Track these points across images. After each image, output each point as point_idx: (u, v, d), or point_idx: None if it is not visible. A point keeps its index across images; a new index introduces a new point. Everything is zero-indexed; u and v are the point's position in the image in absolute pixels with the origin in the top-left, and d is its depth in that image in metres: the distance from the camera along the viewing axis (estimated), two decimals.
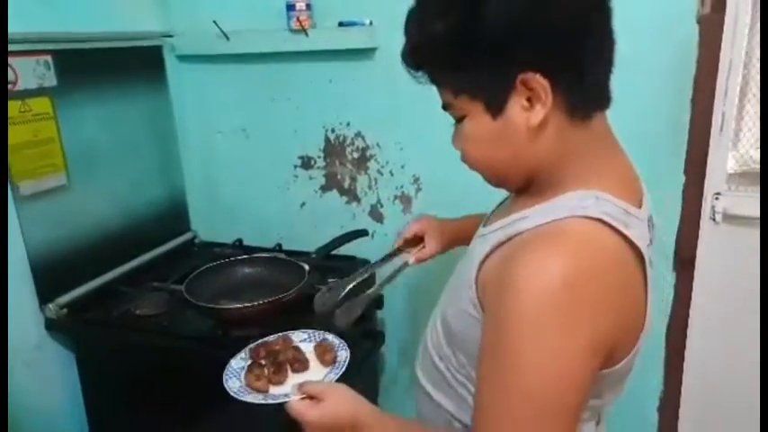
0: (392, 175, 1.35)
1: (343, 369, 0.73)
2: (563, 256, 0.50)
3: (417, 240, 0.93)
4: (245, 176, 1.47)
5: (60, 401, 1.18)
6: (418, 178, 1.33)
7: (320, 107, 1.35)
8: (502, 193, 0.72)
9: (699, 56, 1.06)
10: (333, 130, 1.36)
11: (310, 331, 0.82)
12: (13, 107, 1.03)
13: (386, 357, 1.47)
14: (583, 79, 0.54)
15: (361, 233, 1.23)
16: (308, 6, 1.23)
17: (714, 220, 1.11)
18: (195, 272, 1.15)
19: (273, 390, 0.72)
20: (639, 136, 1.11)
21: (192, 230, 1.51)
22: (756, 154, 1.08)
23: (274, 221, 1.46)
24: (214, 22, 1.29)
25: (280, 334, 0.82)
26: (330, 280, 1.20)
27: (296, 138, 1.39)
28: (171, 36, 1.38)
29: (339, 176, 1.40)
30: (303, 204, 1.44)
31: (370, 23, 1.22)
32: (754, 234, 1.04)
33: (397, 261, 0.93)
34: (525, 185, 0.61)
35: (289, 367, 0.76)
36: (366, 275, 0.91)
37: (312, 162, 1.40)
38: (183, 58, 1.41)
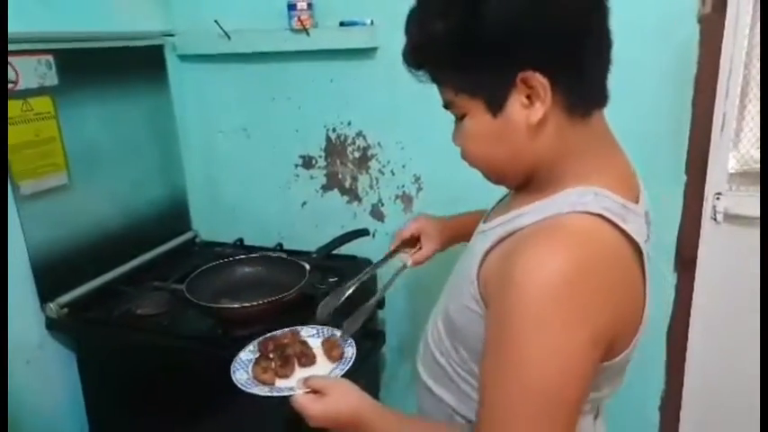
0: (393, 174, 1.35)
1: (350, 365, 0.74)
2: (564, 250, 0.51)
3: (414, 241, 0.93)
4: (246, 176, 1.47)
5: (61, 401, 1.18)
6: (419, 178, 1.33)
7: (321, 107, 1.35)
8: (502, 191, 0.72)
9: (699, 55, 1.06)
10: (334, 130, 1.36)
11: (319, 327, 0.83)
12: (15, 107, 1.03)
13: (386, 356, 1.47)
14: (582, 77, 0.55)
15: (362, 233, 1.23)
16: (310, 6, 1.23)
17: (715, 219, 1.11)
18: (196, 271, 1.15)
19: (280, 383, 0.73)
20: (640, 136, 1.11)
21: (193, 230, 1.51)
22: (757, 153, 1.08)
23: (275, 221, 1.47)
24: (215, 21, 1.29)
25: (288, 329, 0.83)
26: (331, 280, 1.21)
27: (297, 137, 1.39)
28: (172, 35, 1.38)
29: (340, 176, 1.40)
30: (304, 204, 1.45)
31: (371, 23, 1.23)
32: (756, 234, 1.04)
33: (394, 262, 0.93)
34: (525, 182, 0.61)
35: (296, 361, 0.77)
36: (364, 279, 0.92)
37: (313, 161, 1.41)
38: (184, 57, 1.41)
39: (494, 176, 0.63)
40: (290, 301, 1.05)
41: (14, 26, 0.98)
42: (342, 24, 1.24)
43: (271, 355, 0.77)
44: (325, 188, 1.42)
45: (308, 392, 0.65)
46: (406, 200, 1.36)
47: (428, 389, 0.69)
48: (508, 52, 0.53)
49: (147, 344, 1.09)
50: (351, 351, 0.76)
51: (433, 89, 0.63)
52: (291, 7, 1.22)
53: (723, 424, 1.20)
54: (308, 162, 1.41)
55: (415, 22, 0.59)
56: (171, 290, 1.18)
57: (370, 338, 1.26)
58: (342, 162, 1.38)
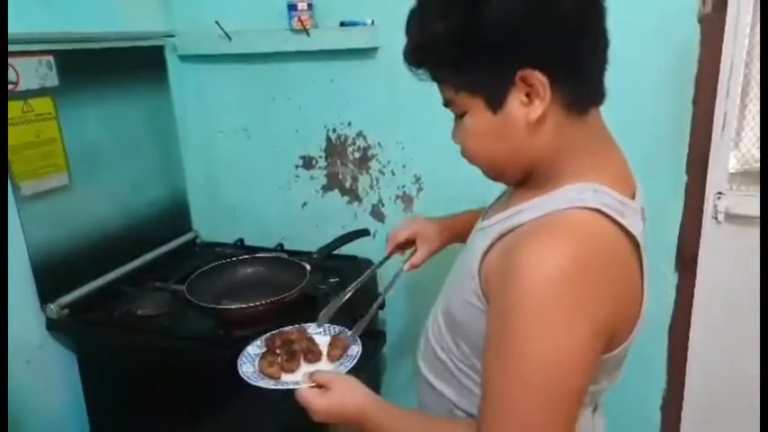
0: (393, 174, 1.35)
1: (355, 362, 0.75)
2: (564, 245, 0.52)
3: (409, 243, 0.93)
4: (246, 176, 1.47)
5: (61, 402, 1.18)
6: (420, 178, 1.33)
7: (321, 107, 1.35)
8: (501, 189, 0.73)
9: (700, 55, 1.06)
10: (334, 130, 1.36)
11: (326, 324, 0.84)
12: (15, 107, 1.03)
13: (387, 355, 1.47)
14: (579, 76, 0.56)
15: (363, 233, 1.23)
16: (310, 6, 1.23)
17: (716, 219, 1.11)
18: (197, 272, 1.15)
19: (285, 377, 0.74)
20: (641, 135, 1.11)
21: (194, 230, 1.51)
22: (758, 153, 1.08)
23: (276, 221, 1.47)
24: (216, 22, 1.29)
25: (296, 325, 0.84)
26: (332, 280, 1.21)
27: (297, 137, 1.39)
28: (173, 36, 1.38)
29: (340, 176, 1.40)
30: (305, 204, 1.45)
31: (372, 23, 1.22)
32: (757, 233, 1.04)
33: (393, 264, 0.93)
34: (524, 179, 0.62)
35: (302, 357, 0.78)
36: (360, 284, 0.93)
37: (313, 162, 1.40)
38: (184, 58, 1.41)
39: (493, 173, 0.64)
40: (291, 301, 1.05)
41: (15, 27, 0.98)
42: (342, 24, 1.24)
43: (277, 350, 0.78)
44: (326, 188, 1.42)
45: (313, 387, 0.66)
46: (407, 200, 1.36)
47: (429, 384, 0.70)
48: (508, 51, 0.54)
49: (147, 345, 1.08)
50: (356, 349, 0.78)
51: (434, 89, 0.63)
52: (292, 7, 1.22)
53: (724, 424, 1.20)
54: (308, 162, 1.41)
55: (415, 22, 0.59)
56: (172, 290, 1.18)
57: (371, 338, 1.25)
58: (342, 162, 1.38)
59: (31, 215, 1.07)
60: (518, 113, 0.56)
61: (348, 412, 0.63)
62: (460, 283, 0.63)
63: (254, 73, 1.37)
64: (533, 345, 0.51)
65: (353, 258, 1.31)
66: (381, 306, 1.28)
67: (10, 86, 1.01)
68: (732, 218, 1.10)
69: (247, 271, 1.22)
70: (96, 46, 1.19)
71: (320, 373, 0.69)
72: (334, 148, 1.38)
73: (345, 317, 0.88)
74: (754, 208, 1.06)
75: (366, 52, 1.26)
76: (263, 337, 0.82)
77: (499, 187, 0.76)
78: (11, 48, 0.98)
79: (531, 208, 0.58)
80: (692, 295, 1.16)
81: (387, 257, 0.95)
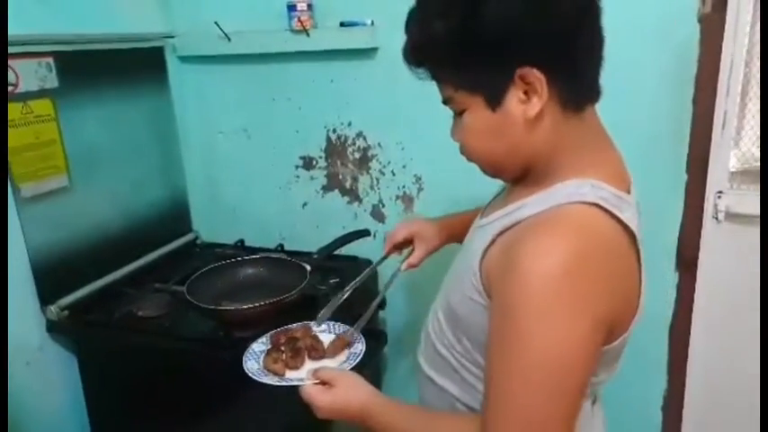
0: (394, 174, 1.35)
1: (359, 360, 0.76)
2: (565, 240, 0.53)
3: (407, 243, 0.94)
4: (246, 177, 1.47)
5: (62, 403, 1.18)
6: (420, 178, 1.33)
7: (321, 107, 1.35)
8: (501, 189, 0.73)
9: (700, 55, 1.06)
10: (334, 131, 1.36)
11: (330, 323, 0.85)
12: (15, 109, 1.03)
13: (387, 355, 1.47)
14: (576, 74, 0.58)
15: (363, 233, 1.22)
16: (310, 7, 1.23)
17: (716, 218, 1.11)
18: (197, 273, 1.15)
19: (289, 374, 0.75)
20: (641, 134, 1.11)
21: (194, 231, 1.50)
22: (758, 152, 1.08)
23: (276, 222, 1.46)
24: (215, 23, 1.29)
25: (301, 323, 0.85)
26: (332, 281, 1.21)
27: (297, 138, 1.39)
28: (172, 37, 1.38)
29: (341, 176, 1.39)
30: (305, 205, 1.44)
31: (372, 23, 1.22)
32: (757, 232, 1.04)
33: (391, 264, 0.94)
34: (522, 176, 0.63)
35: (306, 354, 0.78)
36: (358, 284, 0.94)
37: (313, 162, 1.40)
38: (184, 58, 1.41)
39: (491, 170, 0.65)
40: (291, 302, 1.05)
41: (14, 28, 0.98)
42: (342, 25, 1.24)
43: (282, 348, 0.79)
44: (326, 189, 1.42)
45: (317, 384, 0.67)
46: (407, 200, 1.36)
47: (430, 379, 0.71)
48: (507, 50, 0.55)
49: (147, 346, 1.08)
50: (360, 347, 0.79)
51: (434, 89, 0.64)
52: (291, 8, 1.22)
53: (726, 423, 1.20)
54: (308, 163, 1.41)
55: (415, 22, 0.60)
56: (172, 291, 1.18)
57: (371, 338, 1.25)
58: (342, 163, 1.38)
59: (31, 217, 1.07)
60: (516, 111, 0.57)
61: (351, 409, 0.64)
62: (460, 279, 0.64)
63: (253, 73, 1.37)
64: (536, 339, 0.52)
65: (354, 259, 1.31)
66: (382, 306, 1.29)
67: (9, 88, 1.01)
68: (732, 217, 1.10)
69: (247, 272, 1.22)
70: (96, 47, 1.19)
71: (324, 369, 0.69)
72: (335, 149, 1.38)
73: (345, 316, 0.88)
74: (754, 207, 1.06)
75: (366, 52, 1.26)
76: (268, 334, 0.83)
77: (499, 187, 0.77)
78: (10, 49, 0.98)
79: (530, 204, 0.59)
80: (693, 295, 1.16)
81: (384, 257, 0.96)
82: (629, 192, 0.61)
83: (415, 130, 1.29)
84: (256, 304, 1.02)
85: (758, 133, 1.07)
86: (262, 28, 1.29)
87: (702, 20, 1.04)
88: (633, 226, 0.57)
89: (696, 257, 1.14)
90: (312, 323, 0.85)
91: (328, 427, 1.07)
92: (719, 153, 1.07)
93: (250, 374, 0.74)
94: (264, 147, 1.43)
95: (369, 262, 1.27)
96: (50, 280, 1.11)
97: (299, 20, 1.22)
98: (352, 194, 1.40)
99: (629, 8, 1.03)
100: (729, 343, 1.16)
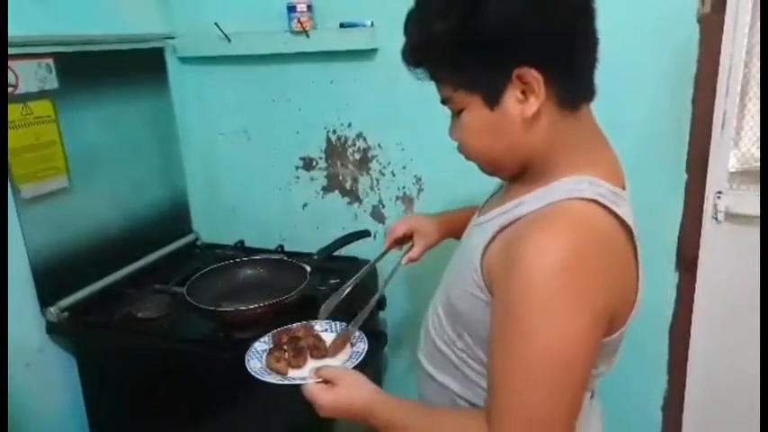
0: (394, 175, 1.35)
1: (361, 359, 0.76)
2: (565, 235, 0.54)
3: (406, 239, 0.95)
4: (246, 178, 1.47)
5: (61, 404, 1.18)
6: (420, 178, 1.33)
7: (321, 108, 1.35)
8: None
9: (699, 55, 1.06)
10: (334, 131, 1.36)
11: (331, 322, 0.85)
12: (15, 110, 1.03)
13: (388, 356, 1.47)
14: (572, 73, 0.59)
15: (363, 234, 1.22)
16: (309, 8, 1.23)
17: (716, 218, 1.11)
18: (197, 274, 1.15)
19: (292, 373, 0.75)
20: (641, 135, 1.11)
21: (194, 232, 1.50)
22: (758, 152, 1.08)
23: (276, 223, 1.46)
24: (215, 24, 1.29)
25: (303, 322, 0.85)
26: (332, 282, 1.20)
27: (297, 139, 1.39)
28: (172, 38, 1.38)
29: (341, 177, 1.39)
30: (305, 205, 1.44)
31: (371, 24, 1.23)
32: (757, 232, 1.04)
33: (391, 259, 0.94)
34: (519, 173, 0.64)
35: (308, 353, 0.78)
36: (361, 278, 0.95)
37: (313, 163, 1.40)
38: (184, 59, 1.41)
39: (490, 168, 0.66)
40: (291, 303, 1.05)
41: (14, 30, 0.98)
42: (342, 26, 1.24)
43: (284, 347, 0.79)
44: (326, 190, 1.42)
45: (319, 382, 0.67)
46: (407, 201, 1.36)
47: (430, 376, 0.71)
48: (506, 50, 0.56)
49: (147, 347, 1.08)
50: (362, 346, 0.78)
51: (433, 89, 0.64)
52: (291, 9, 1.22)
53: (726, 423, 1.20)
54: (308, 164, 1.41)
55: (414, 23, 0.61)
56: (172, 293, 1.18)
57: (372, 339, 1.25)
58: (342, 163, 1.38)
59: (30, 218, 1.07)
60: (514, 110, 0.58)
61: (354, 407, 0.64)
62: (461, 275, 0.65)
63: (253, 74, 1.37)
64: (538, 335, 0.52)
65: (354, 260, 1.31)
66: (382, 307, 1.30)
67: (9, 89, 1.01)
68: (732, 217, 1.10)
69: (247, 273, 1.22)
70: (96, 48, 1.19)
71: (327, 368, 0.70)
72: (335, 150, 1.38)
73: (346, 315, 0.88)
74: (753, 207, 1.06)
75: (366, 53, 1.26)
76: (270, 333, 0.83)
77: (496, 185, 0.77)
78: (10, 50, 0.98)
79: (528, 201, 0.60)
80: (693, 295, 1.16)
81: (385, 252, 0.96)
82: (623, 189, 0.62)
83: (415, 131, 1.29)
84: (256, 305, 1.02)
85: (758, 134, 1.07)
86: (262, 29, 1.30)
87: (702, 20, 1.04)
88: (630, 222, 0.58)
89: (696, 257, 1.14)
90: (314, 322, 0.85)
91: (330, 427, 1.07)
92: (719, 153, 1.07)
93: (253, 373, 0.74)
94: (264, 147, 1.43)
95: (369, 263, 1.27)
96: (50, 281, 1.11)
97: (299, 21, 1.22)
98: (353, 195, 1.40)
99: (628, 9, 1.03)
100: (729, 343, 1.16)
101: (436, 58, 0.60)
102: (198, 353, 1.03)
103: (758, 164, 1.08)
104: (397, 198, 1.36)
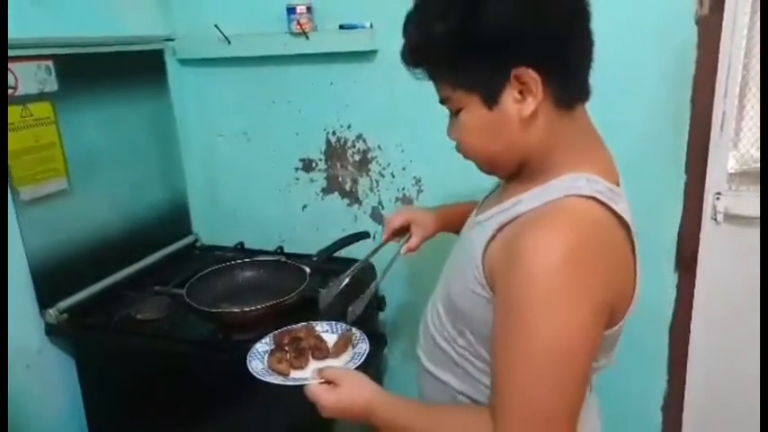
0: (393, 176, 1.35)
1: (363, 359, 0.76)
2: (565, 232, 0.55)
3: (404, 230, 0.96)
4: (246, 179, 1.47)
5: (61, 406, 1.18)
6: (419, 180, 1.34)
7: (321, 110, 1.35)
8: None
9: (698, 56, 1.06)
10: (334, 133, 1.36)
11: (333, 323, 0.85)
12: (14, 112, 1.03)
13: (388, 357, 1.47)
14: (568, 74, 0.60)
15: (363, 235, 1.22)
16: (309, 10, 1.23)
17: (715, 219, 1.11)
18: (196, 276, 1.15)
19: (294, 373, 0.75)
20: (640, 135, 1.12)
21: (194, 234, 1.50)
22: (757, 153, 1.08)
23: (276, 224, 1.46)
24: (215, 26, 1.29)
25: (304, 323, 0.85)
26: (331, 283, 1.20)
27: (297, 140, 1.39)
28: (172, 40, 1.38)
29: (340, 179, 1.40)
30: (304, 207, 1.45)
31: (371, 26, 1.23)
32: (756, 233, 1.04)
33: (389, 249, 0.95)
34: (516, 172, 0.65)
35: (310, 354, 0.78)
36: (360, 267, 0.95)
37: (313, 164, 1.41)
38: (184, 61, 1.41)
39: (488, 167, 0.67)
40: (290, 304, 1.05)
41: (14, 32, 0.98)
42: (341, 28, 1.24)
43: (286, 347, 0.79)
44: (326, 191, 1.42)
45: (321, 383, 0.67)
46: (407, 202, 1.36)
47: (430, 373, 0.71)
48: (504, 51, 0.57)
49: (147, 349, 1.08)
50: (364, 346, 0.79)
51: (432, 91, 0.65)
52: (291, 11, 1.23)
53: (726, 423, 1.20)
54: (308, 165, 1.41)
55: (413, 24, 0.62)
56: (171, 294, 1.17)
57: (372, 340, 1.25)
58: (342, 165, 1.38)
59: (30, 220, 1.06)
60: (512, 110, 0.59)
61: (356, 407, 0.65)
62: (462, 271, 0.65)
63: (253, 76, 1.37)
64: (540, 330, 0.53)
65: (354, 261, 1.30)
66: (381, 308, 1.30)
67: (9, 91, 1.01)
68: (731, 218, 1.10)
69: (247, 274, 1.22)
70: (96, 50, 1.19)
71: (329, 368, 0.70)
72: (334, 151, 1.38)
73: (345, 313, 0.88)
74: (753, 208, 1.06)
75: (365, 55, 1.26)
76: (272, 334, 0.83)
77: (492, 183, 0.77)
78: (10, 52, 0.98)
79: (526, 199, 0.61)
80: (693, 295, 1.16)
81: (383, 243, 0.97)
82: (618, 186, 0.63)
83: (415, 132, 1.29)
84: (256, 307, 1.02)
85: (757, 135, 1.07)
86: (261, 31, 1.30)
87: (700, 22, 1.05)
88: (627, 218, 0.59)
89: (695, 258, 1.14)
90: (315, 322, 0.85)
91: (330, 427, 1.07)
92: (718, 154, 1.08)
93: (255, 374, 0.74)
94: (264, 149, 1.43)
95: (369, 264, 1.27)
96: (49, 283, 1.11)
97: (299, 23, 1.22)
98: (352, 197, 1.40)
99: (627, 10, 1.04)
100: (729, 343, 1.16)
101: (435, 58, 0.61)
102: (197, 354, 1.03)
103: (757, 165, 1.08)
104: (397, 199, 1.37)
